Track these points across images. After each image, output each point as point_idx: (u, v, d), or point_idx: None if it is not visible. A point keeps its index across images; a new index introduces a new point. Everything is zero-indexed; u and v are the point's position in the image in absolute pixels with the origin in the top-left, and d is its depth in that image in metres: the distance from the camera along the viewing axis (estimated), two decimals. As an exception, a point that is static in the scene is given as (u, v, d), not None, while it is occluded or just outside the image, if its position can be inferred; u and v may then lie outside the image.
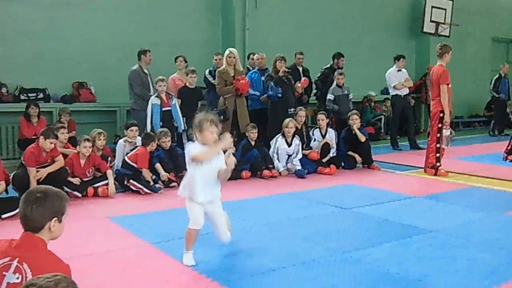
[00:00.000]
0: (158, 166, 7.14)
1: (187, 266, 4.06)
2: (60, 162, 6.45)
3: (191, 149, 4.04)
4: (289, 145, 8.10)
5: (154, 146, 7.16)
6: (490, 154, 9.90)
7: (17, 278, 2.29)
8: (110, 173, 6.83)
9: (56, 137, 6.52)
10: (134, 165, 6.92)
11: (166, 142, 7.39)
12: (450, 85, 7.68)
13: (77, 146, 6.89)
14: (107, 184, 6.71)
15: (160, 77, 8.26)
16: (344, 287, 3.65)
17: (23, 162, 6.30)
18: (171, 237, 4.76)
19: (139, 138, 7.43)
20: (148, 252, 4.47)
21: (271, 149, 8.13)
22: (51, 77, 9.61)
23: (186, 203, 4.16)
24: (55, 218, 2.42)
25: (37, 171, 6.23)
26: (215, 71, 9.37)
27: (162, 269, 4.05)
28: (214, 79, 9.28)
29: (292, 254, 4.33)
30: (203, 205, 4.12)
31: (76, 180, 6.62)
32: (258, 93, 8.92)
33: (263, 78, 8.95)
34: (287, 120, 8.10)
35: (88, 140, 6.78)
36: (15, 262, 2.32)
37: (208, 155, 3.96)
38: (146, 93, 8.76)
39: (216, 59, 9.59)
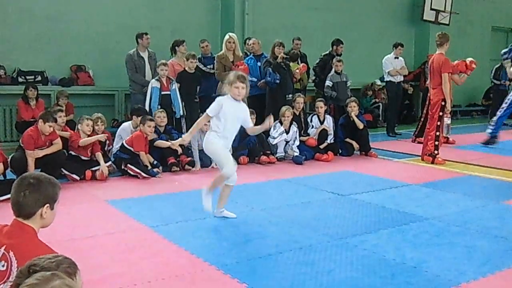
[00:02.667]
0: (159, 142, 7.21)
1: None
2: (58, 145, 6.43)
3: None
4: (287, 132, 8.10)
5: (152, 126, 7.09)
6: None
7: (3, 266, 2.24)
8: (99, 156, 6.82)
9: (55, 121, 6.52)
10: (131, 149, 6.92)
11: (162, 118, 7.50)
12: (451, 74, 7.70)
13: (78, 125, 6.92)
14: (104, 167, 6.77)
15: (163, 61, 8.26)
16: (340, 272, 3.68)
17: (22, 145, 6.29)
18: (169, 221, 4.78)
19: None
20: (147, 235, 4.49)
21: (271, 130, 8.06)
22: (50, 59, 9.53)
23: None
24: (47, 205, 2.38)
25: (35, 153, 6.24)
26: (204, 58, 9.34)
27: (160, 252, 4.07)
28: (204, 66, 9.25)
29: (289, 239, 4.36)
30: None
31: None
32: (255, 79, 8.86)
33: (259, 63, 8.91)
34: (284, 108, 8.06)
35: (90, 119, 6.88)
36: (2, 250, 2.26)
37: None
38: (138, 77, 8.81)
39: (203, 46, 9.49)
